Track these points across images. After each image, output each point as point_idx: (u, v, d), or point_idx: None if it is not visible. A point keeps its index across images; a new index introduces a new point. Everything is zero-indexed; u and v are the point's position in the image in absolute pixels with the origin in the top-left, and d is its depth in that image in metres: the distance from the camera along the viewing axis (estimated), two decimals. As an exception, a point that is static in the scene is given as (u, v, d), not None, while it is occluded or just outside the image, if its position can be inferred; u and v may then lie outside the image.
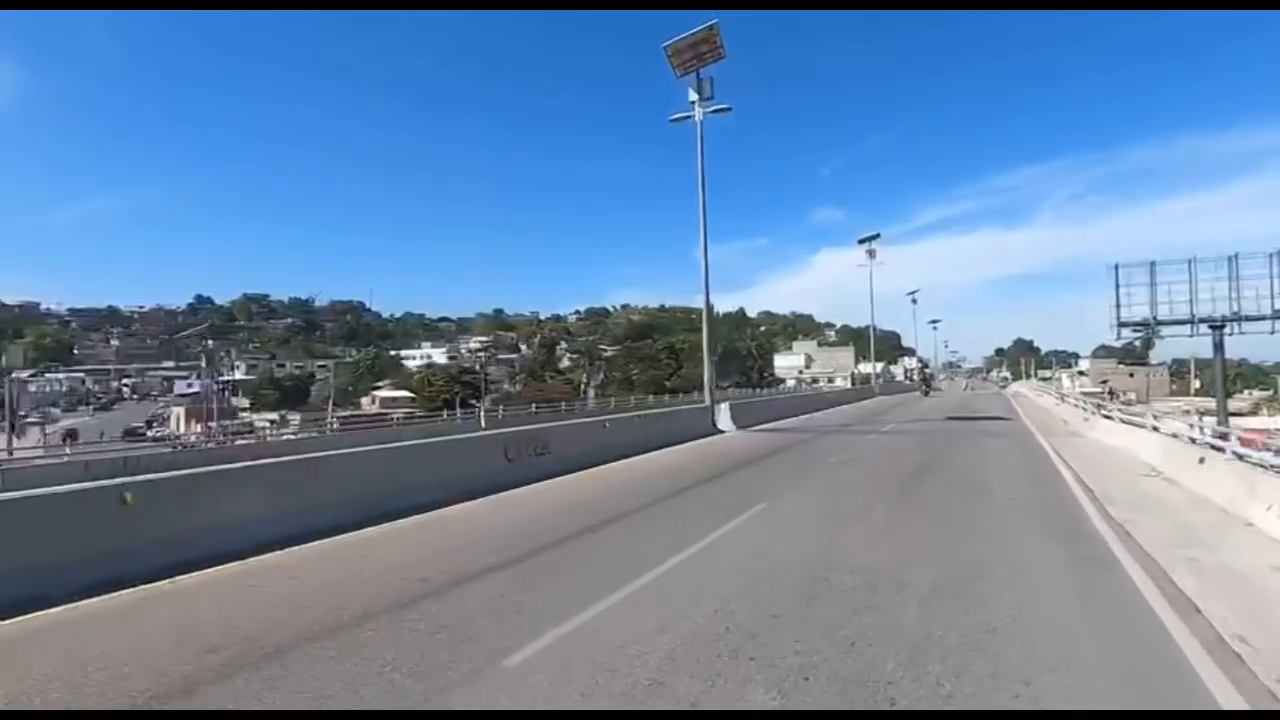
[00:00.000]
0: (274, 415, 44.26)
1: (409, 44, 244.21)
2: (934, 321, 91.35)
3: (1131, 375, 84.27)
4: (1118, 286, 32.14)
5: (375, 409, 51.72)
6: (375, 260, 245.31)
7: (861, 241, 51.16)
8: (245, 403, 61.23)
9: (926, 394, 43.92)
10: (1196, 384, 68.69)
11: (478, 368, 63.38)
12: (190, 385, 69.17)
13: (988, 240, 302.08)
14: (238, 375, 75.64)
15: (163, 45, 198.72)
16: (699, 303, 26.48)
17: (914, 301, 65.19)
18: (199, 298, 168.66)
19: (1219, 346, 30.73)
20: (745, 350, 69.24)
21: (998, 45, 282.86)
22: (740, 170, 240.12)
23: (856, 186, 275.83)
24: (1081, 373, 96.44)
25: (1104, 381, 69.46)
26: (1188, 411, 49.33)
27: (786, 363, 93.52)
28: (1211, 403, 54.45)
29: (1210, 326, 30.16)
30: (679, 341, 70.91)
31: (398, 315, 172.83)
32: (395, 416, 39.68)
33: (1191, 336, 31.36)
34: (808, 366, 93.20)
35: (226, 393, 58.26)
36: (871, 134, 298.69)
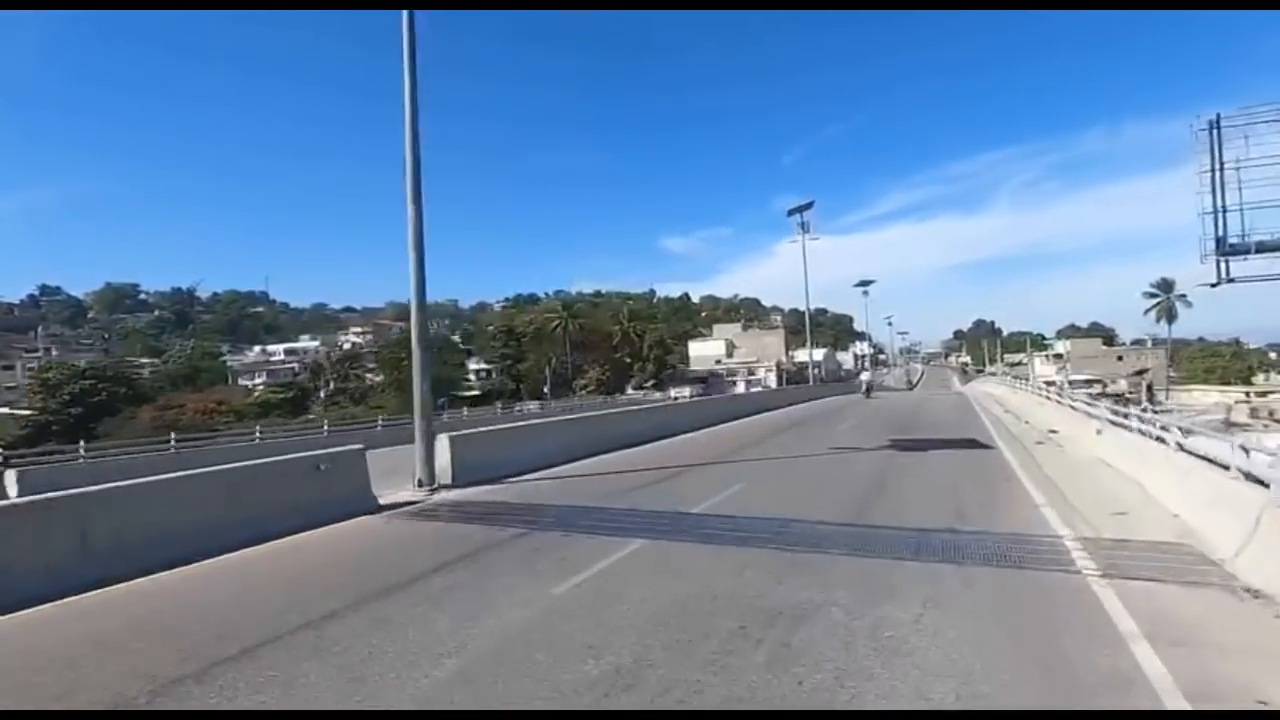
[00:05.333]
0: None
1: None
2: (863, 284, 74.72)
3: (1120, 359, 68.59)
4: (1218, 170, 14.56)
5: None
6: (284, 248, 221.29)
7: (791, 213, 43.73)
8: None
9: None
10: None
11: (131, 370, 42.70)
12: None
13: (947, 226, 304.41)
14: None
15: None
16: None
17: (803, 226, 45.67)
18: (43, 288, 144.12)
19: None
20: (617, 336, 49.70)
21: (952, 34, 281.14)
22: (703, 159, 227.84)
23: (818, 174, 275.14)
24: (1058, 355, 79.91)
25: (1140, 372, 49.31)
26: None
27: (703, 351, 75.06)
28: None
29: None
30: (524, 324, 51.55)
31: (305, 306, 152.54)
32: None
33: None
34: (729, 355, 75.18)
35: None
36: (831, 122, 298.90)
